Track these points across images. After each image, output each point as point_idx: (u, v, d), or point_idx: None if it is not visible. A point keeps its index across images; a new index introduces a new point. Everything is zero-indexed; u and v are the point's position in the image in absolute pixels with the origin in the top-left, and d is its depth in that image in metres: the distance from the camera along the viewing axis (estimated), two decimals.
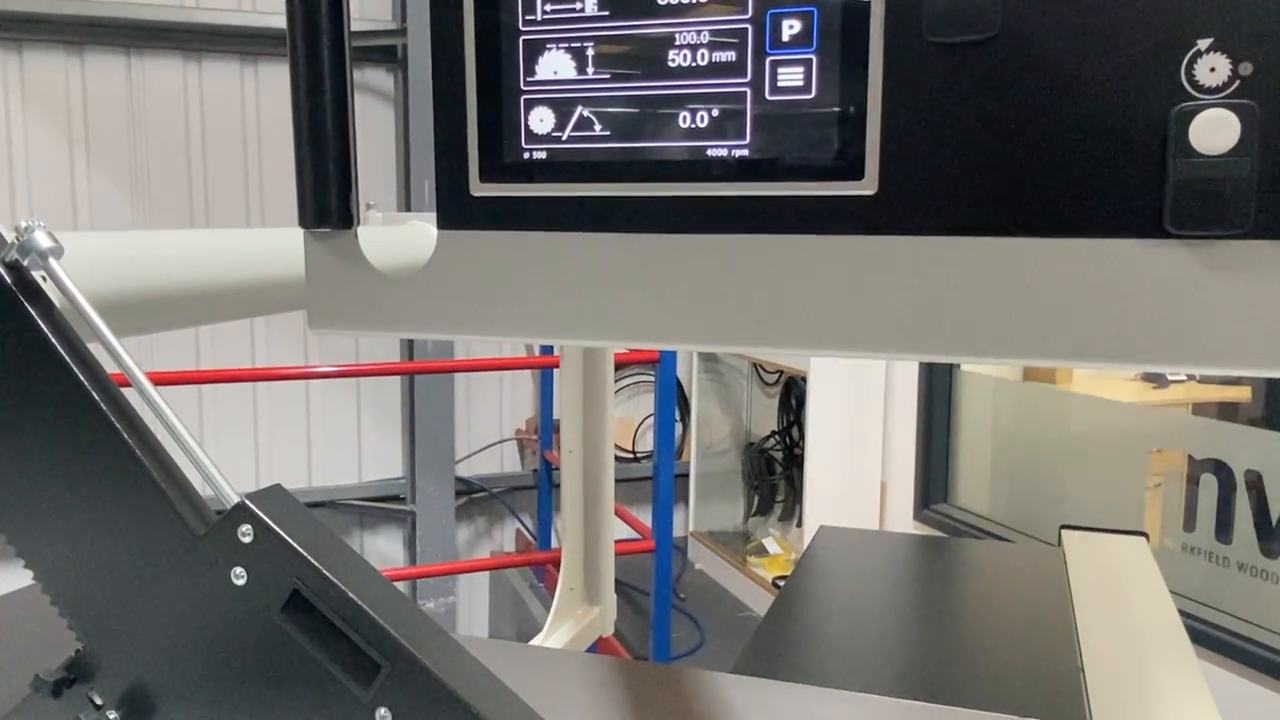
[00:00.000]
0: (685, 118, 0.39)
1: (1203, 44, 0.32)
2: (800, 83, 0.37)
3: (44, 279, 0.41)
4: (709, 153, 0.39)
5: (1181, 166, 0.33)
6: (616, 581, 1.15)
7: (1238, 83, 0.32)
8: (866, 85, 0.36)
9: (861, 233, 0.37)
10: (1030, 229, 0.35)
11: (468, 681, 0.37)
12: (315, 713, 0.38)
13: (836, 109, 0.37)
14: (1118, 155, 0.34)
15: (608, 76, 0.39)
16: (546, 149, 0.41)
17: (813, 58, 0.37)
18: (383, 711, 0.37)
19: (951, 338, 0.37)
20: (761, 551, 3.76)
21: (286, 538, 0.37)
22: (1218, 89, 0.32)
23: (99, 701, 0.41)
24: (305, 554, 0.37)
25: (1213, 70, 0.32)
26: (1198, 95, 0.33)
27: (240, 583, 0.38)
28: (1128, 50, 0.33)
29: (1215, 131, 0.32)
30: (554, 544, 3.77)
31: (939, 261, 0.37)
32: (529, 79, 0.40)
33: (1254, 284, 0.34)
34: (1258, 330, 0.34)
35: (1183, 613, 0.91)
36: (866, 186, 0.37)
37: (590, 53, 0.40)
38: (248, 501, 0.38)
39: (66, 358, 0.40)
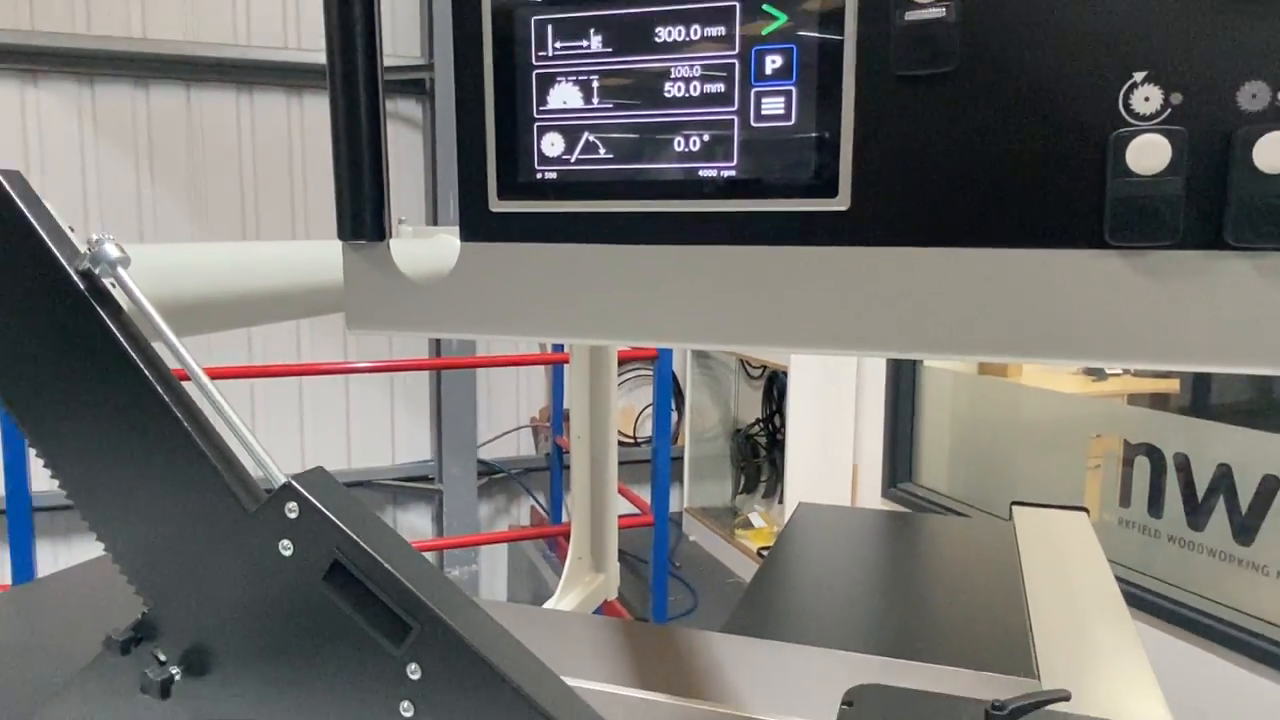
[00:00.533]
0: (680, 142, 0.39)
1: (1138, 76, 0.32)
2: (781, 111, 0.37)
3: (113, 285, 0.41)
4: (700, 173, 0.39)
5: (1119, 186, 0.33)
6: (619, 551, 1.15)
7: (1169, 110, 0.32)
8: (840, 113, 0.36)
9: (836, 244, 0.37)
10: (986, 241, 0.35)
11: (488, 641, 0.37)
12: (354, 669, 0.38)
13: (813, 134, 0.37)
14: (1063, 176, 0.34)
15: (611, 106, 0.39)
16: (557, 170, 0.41)
17: (793, 89, 0.37)
18: (412, 667, 0.37)
19: (915, 337, 0.37)
20: (748, 525, 3.76)
21: (328, 513, 0.37)
22: (1151, 116, 0.32)
23: (162, 658, 0.41)
24: (345, 528, 0.37)
25: (1147, 99, 0.32)
26: (1133, 122, 0.32)
27: (287, 554, 0.38)
28: (1071, 82, 0.33)
29: (1149, 154, 0.32)
30: (564, 518, 3.77)
31: (904, 270, 0.37)
32: (541, 108, 0.40)
33: (1183, 289, 0.34)
34: (1186, 330, 0.34)
35: (1119, 579, 0.91)
36: (840, 203, 0.37)
37: (595, 85, 0.39)
38: (293, 482, 0.38)
39: (132, 355, 0.40)
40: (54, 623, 0.80)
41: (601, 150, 0.40)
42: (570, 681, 0.39)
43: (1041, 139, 0.34)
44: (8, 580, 2.58)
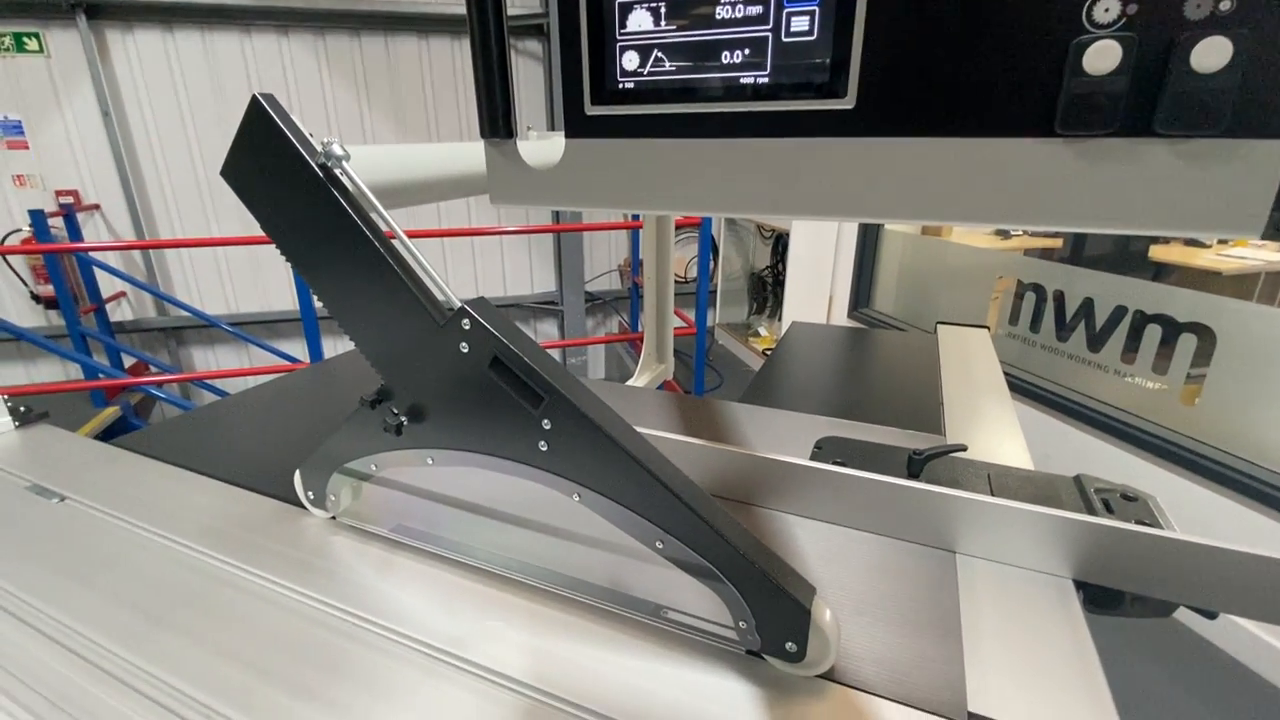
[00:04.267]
0: (725, 55, 0.33)
1: None
2: (806, 28, 0.31)
3: (341, 174, 0.39)
4: (741, 80, 0.33)
5: (1075, 84, 0.27)
6: (675, 350, 1.15)
7: (1124, 19, 0.26)
8: (853, 30, 0.30)
9: (841, 135, 0.32)
10: (958, 132, 0.30)
11: (590, 405, 0.37)
12: (509, 422, 0.39)
13: (830, 47, 0.31)
14: (1028, 76, 0.28)
15: (674, 27, 0.34)
16: (634, 80, 0.36)
17: (816, 9, 0.31)
18: (545, 421, 0.37)
19: (899, 207, 0.33)
20: (757, 335, 3.75)
21: (489, 326, 0.37)
22: (1109, 24, 0.26)
23: (395, 411, 0.42)
24: (500, 336, 0.37)
25: (1106, 10, 0.26)
26: (1093, 29, 0.26)
27: (465, 351, 0.38)
28: None
29: (1103, 57, 0.26)
30: (639, 329, 3.80)
31: (894, 156, 0.32)
32: (621, 31, 0.35)
33: (1114, 168, 0.28)
34: (1110, 200, 0.29)
35: (1006, 374, 0.88)
36: (848, 103, 0.32)
37: (663, 10, 0.34)
38: (466, 306, 0.37)
39: (357, 221, 0.38)
40: (334, 388, 0.85)
41: (666, 63, 0.35)
42: (642, 430, 0.39)
43: (1010, 49, 0.28)
44: (308, 360, 2.77)
